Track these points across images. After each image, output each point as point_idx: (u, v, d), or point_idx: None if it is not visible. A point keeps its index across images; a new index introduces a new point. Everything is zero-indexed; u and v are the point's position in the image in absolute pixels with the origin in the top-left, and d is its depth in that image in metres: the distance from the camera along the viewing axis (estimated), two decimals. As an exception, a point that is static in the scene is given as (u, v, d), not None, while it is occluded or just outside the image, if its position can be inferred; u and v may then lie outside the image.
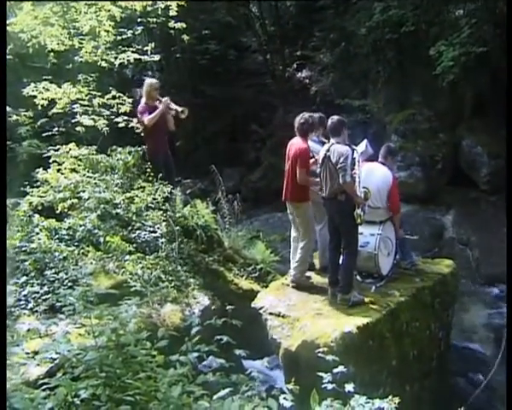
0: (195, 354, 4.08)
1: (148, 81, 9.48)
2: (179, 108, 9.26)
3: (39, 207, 7.78)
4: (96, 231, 7.48)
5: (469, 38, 13.68)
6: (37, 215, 7.57)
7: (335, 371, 4.47)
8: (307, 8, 19.59)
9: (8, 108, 8.92)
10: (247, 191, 16.83)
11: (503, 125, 14.15)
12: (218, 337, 4.32)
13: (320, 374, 4.37)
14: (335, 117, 7.06)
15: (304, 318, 6.71)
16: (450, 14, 14.83)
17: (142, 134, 9.39)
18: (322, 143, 7.38)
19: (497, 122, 14.00)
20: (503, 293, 10.61)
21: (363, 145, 7.41)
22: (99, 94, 9.99)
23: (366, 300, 6.98)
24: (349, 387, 4.21)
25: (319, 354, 5.26)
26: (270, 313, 7.06)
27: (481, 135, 14.92)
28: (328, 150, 6.90)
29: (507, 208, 7.69)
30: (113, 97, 10.04)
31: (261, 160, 18.17)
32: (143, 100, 9.22)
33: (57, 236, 7.31)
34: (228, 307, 4.58)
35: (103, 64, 10.33)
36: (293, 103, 16.38)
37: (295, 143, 7.52)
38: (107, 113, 9.92)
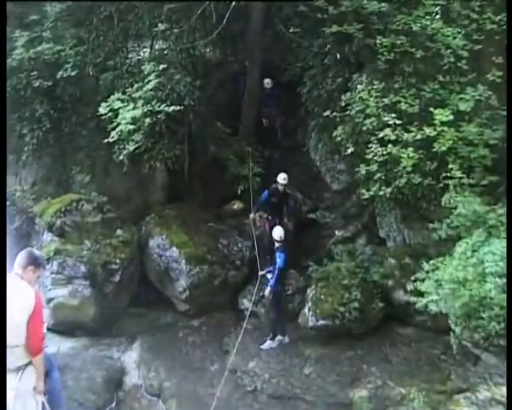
0: None
1: None
2: None
3: None
4: None
5: (158, 91, 13.59)
6: None
7: None
8: None
9: None
10: None
11: (204, 215, 15.04)
12: None
13: None
14: None
15: None
16: (132, 56, 14.75)
17: None
18: None
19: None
20: None
21: None
22: None
23: None
24: None
25: None
26: None
27: (176, 231, 14.71)
28: None
29: (507, 209, 9.71)
30: None
31: None
32: None
33: None
34: None
35: None
36: None
37: None
38: None
